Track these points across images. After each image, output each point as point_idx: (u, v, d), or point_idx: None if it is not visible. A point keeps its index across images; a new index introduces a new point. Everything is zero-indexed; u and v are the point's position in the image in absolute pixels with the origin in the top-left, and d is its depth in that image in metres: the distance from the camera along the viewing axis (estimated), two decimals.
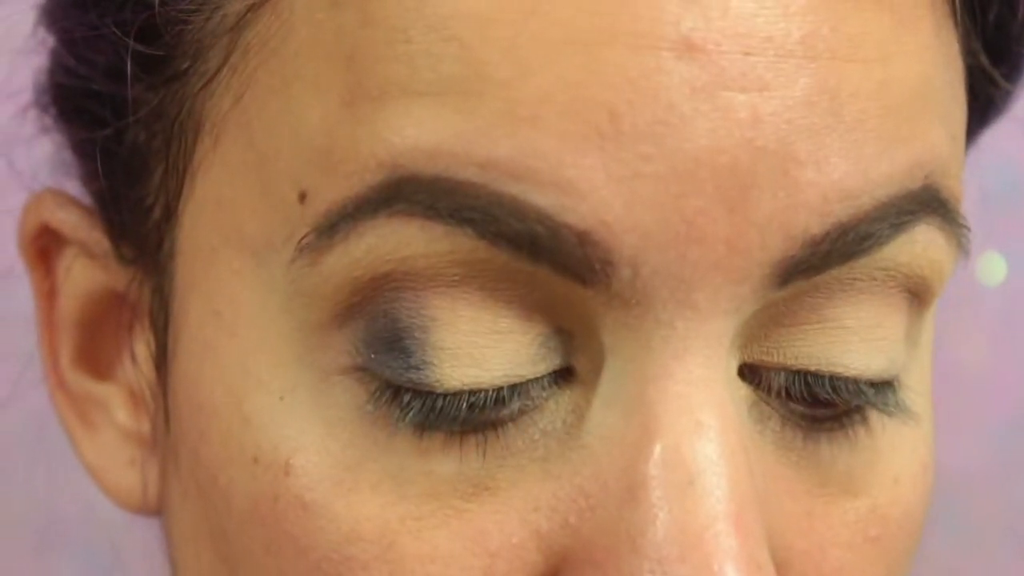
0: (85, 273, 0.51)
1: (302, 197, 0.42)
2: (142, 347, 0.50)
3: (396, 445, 0.42)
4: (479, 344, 0.42)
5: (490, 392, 0.42)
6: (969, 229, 0.45)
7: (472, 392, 0.42)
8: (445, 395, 0.42)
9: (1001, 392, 0.83)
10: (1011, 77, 0.50)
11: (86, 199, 0.52)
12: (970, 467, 0.80)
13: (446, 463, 0.42)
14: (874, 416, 0.45)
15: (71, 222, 0.51)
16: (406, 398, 0.42)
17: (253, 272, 0.44)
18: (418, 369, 0.42)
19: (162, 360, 0.48)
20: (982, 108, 0.50)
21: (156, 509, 0.51)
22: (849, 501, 0.45)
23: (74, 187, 0.52)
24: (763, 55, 0.41)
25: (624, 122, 0.40)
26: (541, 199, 0.40)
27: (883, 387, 0.45)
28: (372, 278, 0.42)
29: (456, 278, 0.41)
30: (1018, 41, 0.49)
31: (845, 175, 0.41)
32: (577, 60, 0.40)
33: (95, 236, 0.50)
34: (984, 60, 0.47)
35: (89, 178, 0.51)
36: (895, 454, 0.45)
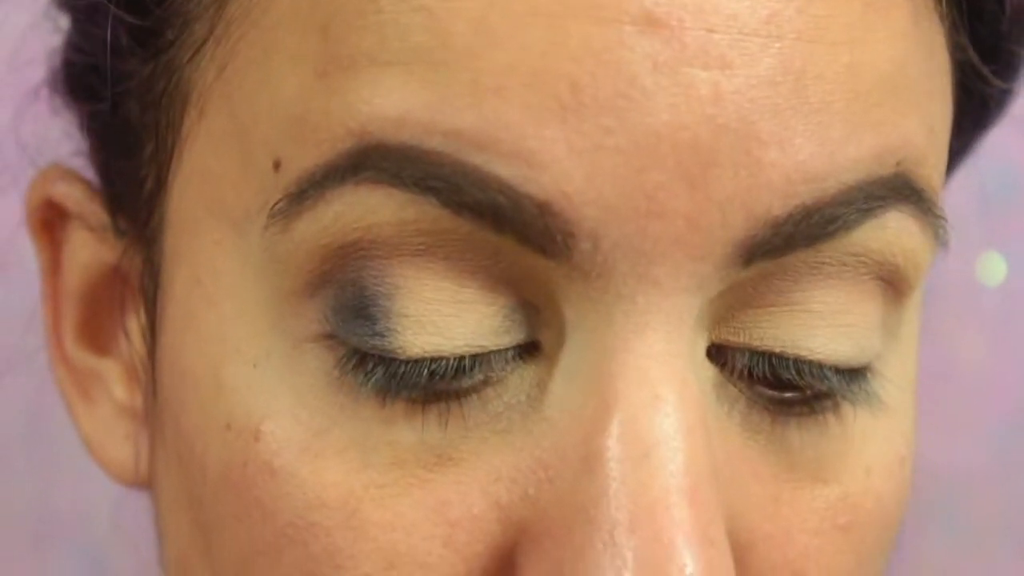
0: (87, 247, 0.52)
1: (276, 165, 0.43)
2: (135, 320, 0.50)
3: (360, 412, 0.43)
4: (442, 313, 0.42)
5: (451, 361, 0.42)
6: (946, 220, 0.45)
7: (433, 360, 0.42)
8: (407, 362, 0.42)
9: (1001, 392, 0.83)
10: (1005, 75, 0.49)
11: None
12: (970, 467, 0.80)
13: (409, 432, 0.43)
14: (844, 403, 0.45)
15: (74, 196, 0.52)
16: (370, 364, 0.42)
17: (233, 242, 0.44)
18: (382, 336, 0.42)
19: (152, 332, 0.48)
20: (977, 107, 0.50)
21: (148, 482, 0.51)
22: (818, 488, 0.45)
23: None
24: (726, 32, 0.41)
25: (586, 94, 0.40)
26: (504, 169, 0.41)
27: (851, 374, 0.45)
28: (340, 245, 0.42)
29: (421, 247, 0.42)
30: (1008, 38, 0.48)
31: (810, 157, 0.41)
32: (541, 32, 0.40)
33: (95, 210, 0.51)
34: (973, 56, 0.47)
35: (92, 152, 0.52)
36: (867, 444, 0.45)
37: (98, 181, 0.52)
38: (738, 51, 0.41)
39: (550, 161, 0.41)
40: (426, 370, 0.42)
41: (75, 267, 0.52)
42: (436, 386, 0.42)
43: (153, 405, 0.49)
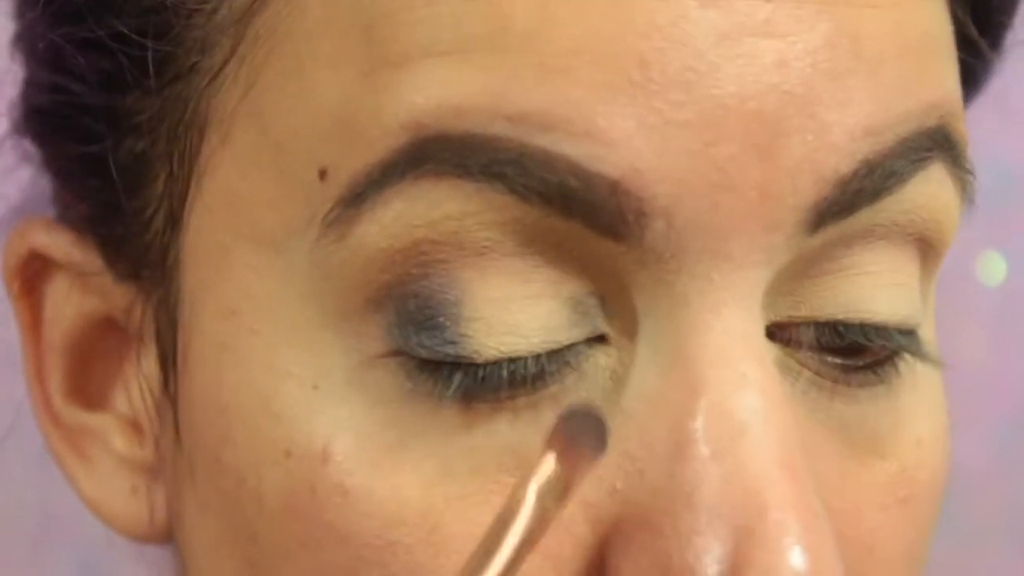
0: (77, 298, 0.50)
1: (322, 175, 0.42)
2: (147, 363, 0.49)
3: (441, 420, 0.42)
4: (512, 311, 0.41)
5: (529, 359, 0.42)
6: (974, 176, 0.45)
7: (512, 360, 0.41)
8: (485, 364, 0.41)
9: (1001, 392, 0.83)
10: (993, 48, 0.50)
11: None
12: (970, 466, 0.80)
13: (489, 435, 0.42)
14: (903, 367, 0.45)
15: (62, 245, 0.50)
16: (446, 371, 0.42)
17: (271, 264, 0.43)
18: (454, 343, 0.41)
19: (170, 371, 0.47)
20: (963, 80, 0.50)
21: (165, 535, 0.50)
22: (877, 463, 0.44)
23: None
24: (784, 2, 0.41)
25: (654, 70, 0.40)
26: (572, 149, 0.40)
27: (910, 334, 0.45)
28: (402, 248, 0.41)
29: (486, 243, 0.41)
30: (998, 11, 0.49)
31: (869, 113, 0.42)
32: (606, 10, 0.40)
33: (88, 257, 0.49)
34: (971, 28, 0.48)
35: (77, 197, 0.50)
36: (916, 416, 0.45)
37: (86, 226, 0.49)
38: (796, 18, 0.41)
39: (621, 139, 0.40)
40: (505, 371, 0.41)
41: (60, 320, 0.50)
42: (517, 386, 0.42)
43: (175, 450, 0.48)
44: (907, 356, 0.45)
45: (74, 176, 0.49)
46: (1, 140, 0.54)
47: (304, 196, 0.42)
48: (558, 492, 0.39)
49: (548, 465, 0.39)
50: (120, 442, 0.50)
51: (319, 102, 0.42)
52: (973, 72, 0.50)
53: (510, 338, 0.41)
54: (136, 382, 0.49)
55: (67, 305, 0.50)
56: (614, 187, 0.40)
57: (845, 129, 0.41)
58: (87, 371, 0.51)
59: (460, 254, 0.41)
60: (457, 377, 0.41)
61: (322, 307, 0.43)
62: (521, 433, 0.42)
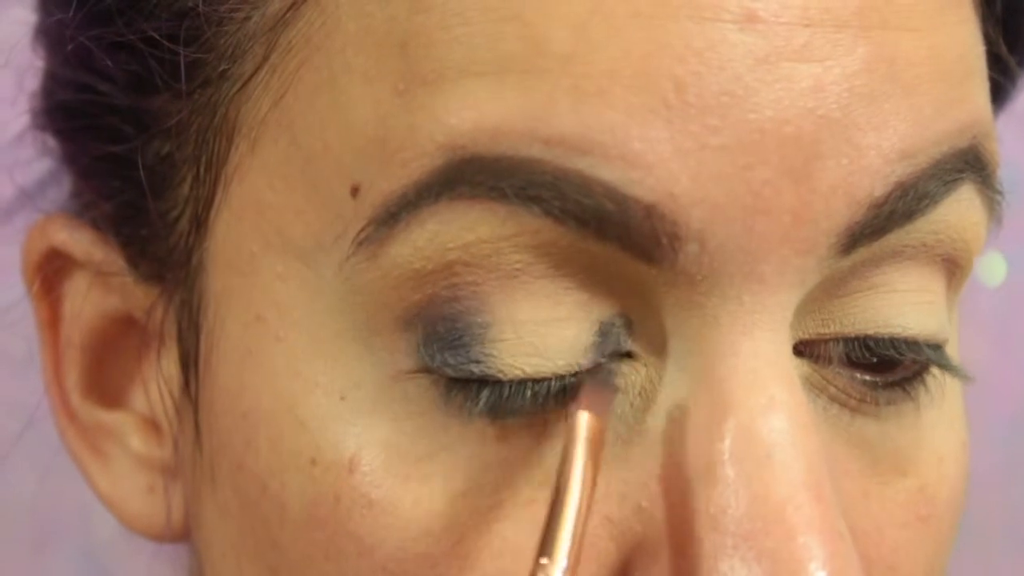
0: (96, 296, 0.50)
1: (355, 191, 0.42)
2: (167, 364, 0.49)
3: (471, 433, 0.42)
4: (540, 333, 0.41)
5: (553, 381, 0.42)
6: (1003, 195, 0.45)
7: (535, 381, 0.41)
8: (511, 383, 0.41)
9: (1001, 392, 0.83)
10: (1022, 65, 0.50)
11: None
12: (971, 467, 0.80)
13: (518, 449, 0.42)
14: (931, 382, 0.45)
15: (82, 243, 0.50)
16: (475, 388, 0.42)
17: (299, 274, 0.43)
18: (478, 362, 0.41)
19: (192, 374, 0.47)
20: (991, 95, 0.50)
21: (182, 535, 0.50)
22: (900, 481, 0.45)
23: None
24: (822, 26, 0.41)
25: (690, 93, 0.40)
26: (608, 173, 0.40)
27: (938, 349, 0.45)
28: (434, 269, 0.41)
29: (518, 266, 0.41)
30: None
31: (904, 136, 0.42)
32: (642, 33, 0.40)
33: (110, 256, 0.49)
34: (1001, 47, 0.48)
35: (100, 196, 0.50)
36: (937, 433, 0.45)
37: (108, 224, 0.50)
38: (833, 43, 0.41)
39: (656, 162, 0.40)
40: (529, 391, 0.42)
41: (79, 317, 0.50)
42: (541, 406, 0.42)
43: (194, 452, 0.48)
44: (935, 371, 0.45)
45: (98, 175, 0.49)
46: (22, 134, 0.54)
47: (335, 211, 0.42)
48: (598, 444, 0.41)
49: (582, 419, 0.41)
50: (137, 441, 0.50)
51: (352, 117, 0.42)
52: (1003, 89, 0.50)
53: (535, 359, 0.41)
54: (155, 382, 0.49)
55: (86, 303, 0.50)
56: (649, 211, 0.40)
57: (880, 152, 0.41)
58: (105, 369, 0.51)
59: (491, 276, 0.41)
60: (485, 394, 0.42)
61: (351, 321, 0.43)
62: (551, 447, 0.42)
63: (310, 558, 0.43)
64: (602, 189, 0.40)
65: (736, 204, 0.40)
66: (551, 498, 0.40)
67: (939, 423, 0.45)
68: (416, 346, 0.42)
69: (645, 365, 0.42)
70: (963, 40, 0.44)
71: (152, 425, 0.50)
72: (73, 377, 0.51)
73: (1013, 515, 0.85)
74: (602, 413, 0.41)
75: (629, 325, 0.42)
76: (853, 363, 0.44)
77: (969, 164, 0.43)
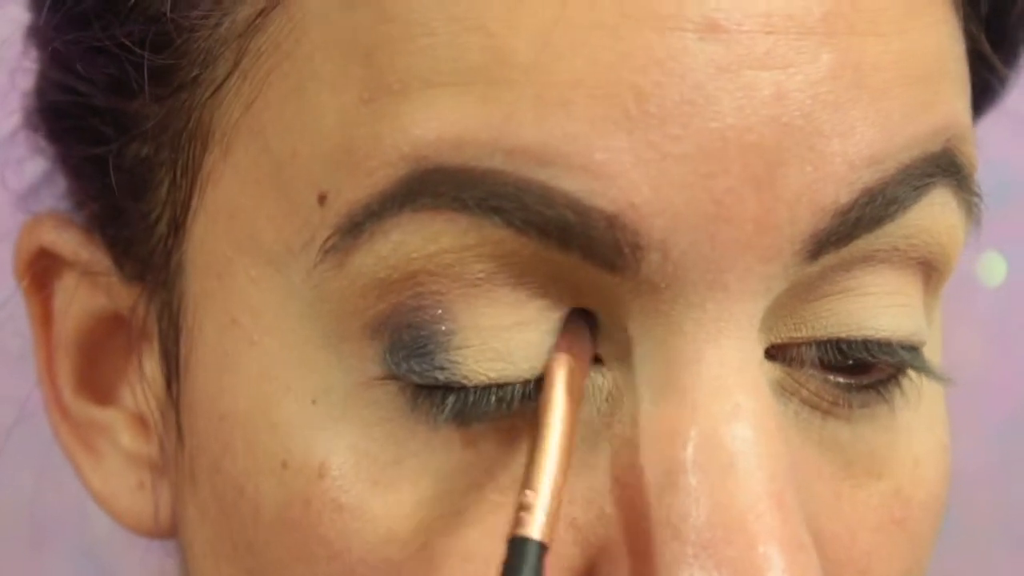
0: (85, 295, 0.50)
1: (322, 199, 0.42)
2: (150, 365, 0.49)
3: (438, 439, 0.42)
4: (503, 339, 0.42)
5: (517, 386, 0.42)
6: (980, 197, 0.45)
7: (500, 386, 0.42)
8: (476, 389, 0.42)
9: (1000, 392, 0.83)
10: (1008, 63, 0.50)
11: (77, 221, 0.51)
12: (968, 467, 0.80)
13: (485, 454, 0.42)
14: (907, 385, 0.45)
15: (70, 243, 0.50)
16: (440, 394, 0.42)
17: (270, 279, 0.44)
18: (443, 369, 0.41)
19: (173, 375, 0.47)
20: (979, 94, 0.50)
21: (169, 532, 0.50)
22: (873, 483, 0.44)
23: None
24: (785, 33, 0.41)
25: (651, 103, 0.40)
26: (570, 184, 0.40)
27: (914, 350, 0.45)
28: (399, 279, 0.41)
29: (481, 275, 0.41)
30: (1016, 28, 0.49)
31: (872, 142, 0.42)
32: (604, 44, 0.40)
33: (96, 256, 0.50)
34: (985, 45, 0.48)
35: (87, 197, 0.50)
36: (913, 435, 0.45)
37: (93, 224, 0.50)
38: (797, 50, 0.41)
39: (617, 173, 0.40)
40: (494, 397, 0.42)
41: (71, 315, 0.51)
42: (507, 411, 0.42)
43: (177, 452, 0.48)
44: (911, 374, 0.45)
45: (84, 176, 0.50)
46: (14, 132, 0.54)
47: (303, 218, 0.43)
48: (578, 383, 0.41)
49: (560, 359, 0.41)
50: (127, 438, 0.51)
51: (319, 125, 0.42)
52: (990, 87, 0.50)
53: (499, 364, 0.42)
54: (143, 380, 0.49)
55: (76, 301, 0.50)
56: (611, 221, 0.40)
57: (846, 159, 0.41)
58: (96, 366, 0.51)
59: (455, 285, 0.41)
60: (451, 400, 0.42)
61: (320, 327, 0.43)
62: (517, 453, 0.42)
63: (282, 561, 0.43)
64: (564, 200, 0.40)
65: (698, 213, 0.40)
66: (532, 437, 0.40)
67: (916, 425, 0.45)
68: (383, 353, 0.42)
69: (612, 370, 0.42)
70: (934, 43, 0.44)
71: (141, 422, 0.50)
72: (66, 374, 0.51)
73: (1011, 514, 0.85)
74: (580, 355, 0.41)
75: (596, 330, 0.42)
76: (827, 366, 0.43)
77: (942, 168, 0.43)
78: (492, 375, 0.41)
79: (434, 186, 0.41)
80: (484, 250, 0.41)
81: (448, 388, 0.42)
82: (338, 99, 0.42)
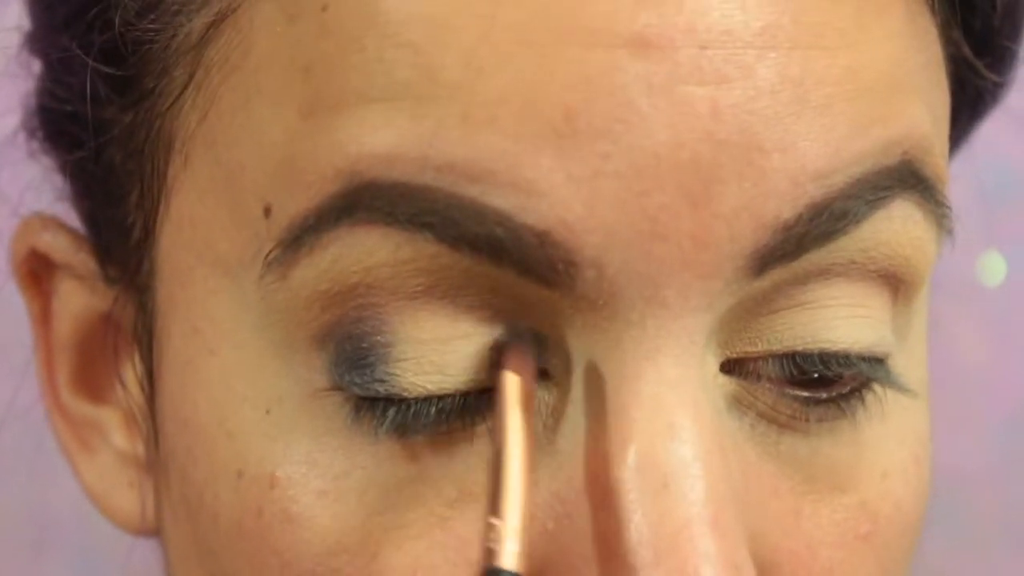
0: (75, 296, 0.51)
1: (267, 212, 0.42)
2: (130, 369, 0.50)
3: (381, 451, 0.42)
4: (441, 351, 0.41)
5: (456, 397, 0.42)
6: (950, 208, 0.44)
7: (439, 398, 0.41)
8: (416, 401, 0.41)
9: (1000, 392, 0.83)
10: (997, 69, 0.49)
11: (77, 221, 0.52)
12: (968, 466, 0.80)
13: (428, 467, 0.42)
14: (871, 398, 0.44)
15: (59, 245, 0.51)
16: (380, 407, 0.42)
17: (227, 290, 0.44)
18: (382, 381, 0.41)
19: (149, 380, 0.48)
20: (972, 100, 0.50)
21: (156, 531, 0.50)
22: (837, 498, 0.44)
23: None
24: (721, 48, 0.41)
25: (580, 120, 0.40)
26: (500, 200, 0.40)
27: (876, 361, 0.44)
28: (339, 291, 0.41)
29: (419, 288, 0.41)
30: (1000, 32, 0.48)
31: (816, 157, 0.41)
32: (531, 61, 0.40)
33: (82, 258, 0.50)
34: (967, 51, 0.47)
35: (76, 199, 0.51)
36: (881, 448, 0.45)
37: (84, 228, 0.51)
38: (734, 65, 0.41)
39: (547, 189, 0.40)
40: (433, 408, 0.42)
41: (66, 316, 0.51)
42: (447, 423, 0.42)
43: (155, 454, 0.48)
44: (876, 387, 0.44)
45: (70, 179, 0.50)
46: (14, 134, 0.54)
47: (252, 230, 0.43)
48: (529, 402, 0.41)
49: (511, 380, 0.41)
50: (119, 437, 0.51)
51: (262, 138, 0.42)
52: (980, 93, 0.49)
53: (437, 377, 0.41)
54: (131, 380, 0.50)
55: (70, 302, 0.51)
56: (542, 238, 0.40)
57: (788, 174, 0.41)
58: (91, 365, 0.51)
59: (393, 298, 0.41)
60: (391, 412, 0.42)
61: (271, 337, 0.43)
62: (461, 464, 0.42)
63: (238, 569, 0.44)
64: (494, 216, 0.40)
65: (632, 230, 0.40)
66: (493, 460, 0.40)
67: (884, 438, 0.45)
68: (329, 365, 0.42)
69: (557, 385, 0.42)
70: (888, 55, 0.43)
71: (132, 421, 0.51)
72: (64, 373, 0.52)
73: (1011, 514, 0.85)
74: (525, 372, 0.41)
75: (539, 343, 0.42)
76: (787, 380, 0.43)
77: (901, 180, 0.43)
78: (430, 387, 0.41)
79: (369, 201, 0.41)
80: (419, 264, 0.41)
81: (389, 400, 0.42)
82: (280, 113, 0.42)
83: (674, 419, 0.41)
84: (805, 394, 0.43)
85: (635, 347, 0.41)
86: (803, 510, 0.43)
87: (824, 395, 0.44)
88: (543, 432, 0.42)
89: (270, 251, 0.42)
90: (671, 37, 0.40)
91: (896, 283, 0.44)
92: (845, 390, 0.44)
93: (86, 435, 0.52)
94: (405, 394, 0.41)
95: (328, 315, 0.42)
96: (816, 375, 0.43)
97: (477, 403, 0.42)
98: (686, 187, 0.40)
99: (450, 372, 0.41)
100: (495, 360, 0.42)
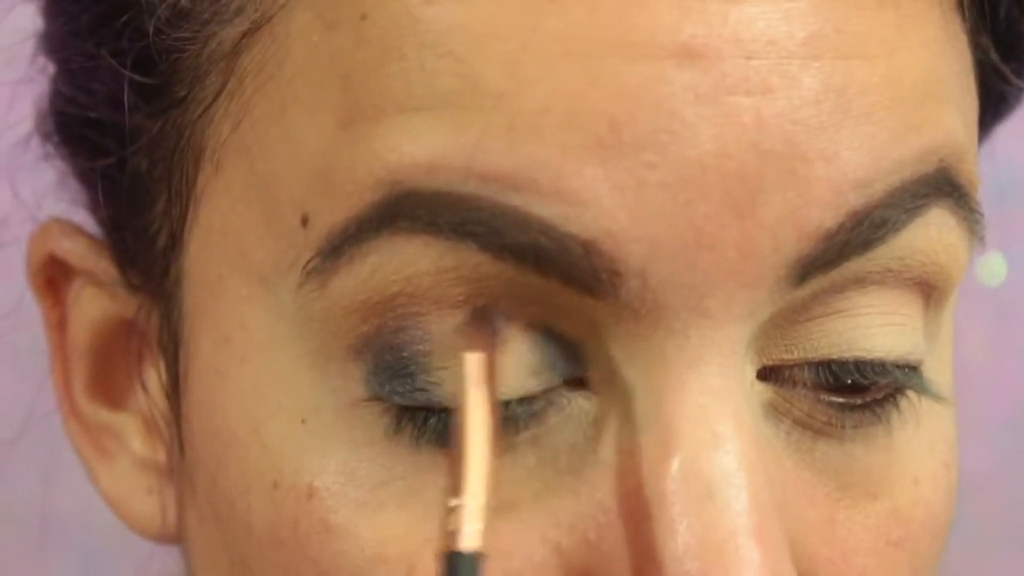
0: (94, 302, 0.51)
1: (304, 221, 0.42)
2: (153, 375, 0.49)
3: (422, 461, 0.42)
4: None
5: (499, 406, 0.41)
6: (982, 215, 0.45)
7: None
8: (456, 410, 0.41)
9: (1001, 392, 0.83)
10: (1021, 74, 0.50)
11: (94, 226, 0.51)
12: (969, 467, 0.80)
13: None
14: (905, 404, 0.44)
15: (78, 251, 0.51)
16: (422, 416, 0.42)
17: (261, 298, 0.44)
18: (424, 391, 0.42)
19: (174, 388, 0.48)
20: (995, 103, 0.50)
21: (176, 537, 0.50)
22: (869, 504, 0.44)
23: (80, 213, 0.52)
24: (766, 58, 0.41)
25: (624, 132, 0.40)
26: (544, 210, 0.40)
27: (910, 370, 0.44)
28: (379, 301, 0.41)
29: (460, 297, 0.41)
30: None
31: (857, 166, 0.41)
32: (576, 71, 0.40)
33: (102, 264, 0.50)
34: (994, 56, 0.47)
35: (95, 206, 0.50)
36: (912, 454, 0.45)
37: (103, 233, 0.51)
38: (778, 75, 0.41)
39: (592, 199, 0.40)
40: None
41: (84, 322, 0.51)
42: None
43: (180, 461, 0.48)
44: (910, 393, 0.44)
45: (90, 185, 0.50)
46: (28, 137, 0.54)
47: (288, 239, 0.43)
48: (490, 380, 0.41)
49: (470, 359, 0.41)
50: (139, 442, 0.51)
51: (299, 147, 0.42)
52: (1004, 97, 0.50)
53: None
54: (152, 387, 0.50)
55: (88, 307, 0.51)
56: (587, 247, 0.40)
57: (831, 184, 0.41)
58: (109, 371, 0.51)
59: (434, 308, 0.41)
60: (432, 422, 0.42)
61: (308, 347, 0.43)
62: (502, 473, 0.42)
63: None
64: (539, 225, 0.40)
65: (677, 240, 0.40)
66: (453, 442, 0.40)
67: (915, 445, 0.45)
68: (367, 375, 0.42)
69: (598, 394, 0.42)
70: (926, 63, 0.43)
71: (151, 427, 0.50)
72: (80, 379, 0.51)
73: (1012, 515, 0.85)
74: (487, 349, 0.41)
75: (580, 351, 0.42)
76: (821, 387, 0.43)
77: (937, 188, 0.43)
78: None
79: (410, 210, 0.41)
80: (461, 273, 0.41)
81: (430, 410, 0.42)
82: (317, 123, 0.42)
83: (718, 429, 0.41)
84: (840, 400, 0.44)
85: (678, 357, 0.41)
86: (837, 517, 0.44)
87: (859, 401, 0.44)
88: (584, 442, 0.42)
89: (308, 260, 0.42)
90: (717, 48, 0.40)
91: (929, 290, 0.44)
92: (879, 396, 0.44)
93: (104, 441, 0.51)
94: (446, 403, 0.41)
95: (367, 326, 0.42)
96: (852, 382, 0.43)
97: (518, 412, 0.42)
98: (731, 197, 0.41)
99: None
100: (456, 340, 0.42)
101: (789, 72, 0.41)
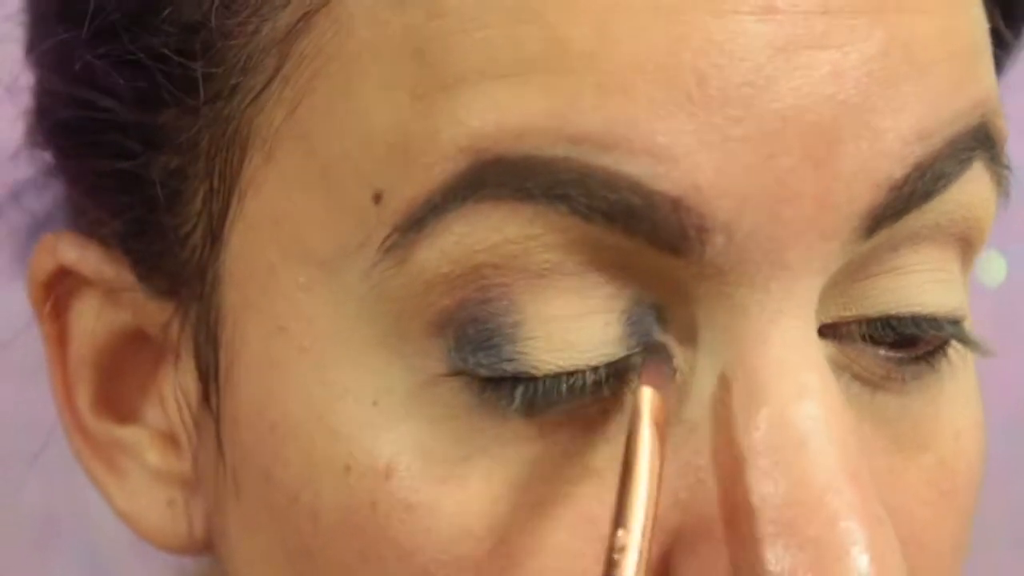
0: (106, 313, 0.50)
1: (377, 198, 0.42)
2: (184, 379, 0.49)
3: (508, 432, 0.42)
4: (570, 328, 0.42)
5: (587, 372, 0.42)
6: (1010, 170, 0.46)
7: (569, 374, 0.42)
8: (544, 378, 0.42)
9: (1001, 392, 0.83)
10: (1017, 39, 0.52)
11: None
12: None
13: (556, 445, 0.42)
14: (954, 355, 0.45)
15: (92, 261, 0.50)
16: (508, 386, 0.42)
17: (322, 283, 0.44)
18: (511, 360, 0.42)
19: (212, 389, 0.47)
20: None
21: (204, 548, 0.50)
22: (921, 455, 0.45)
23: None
24: (839, 13, 0.42)
25: (712, 86, 0.41)
26: (634, 168, 0.41)
27: (957, 324, 0.45)
28: (463, 272, 0.42)
29: (546, 264, 0.42)
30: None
31: (921, 117, 0.42)
32: (663, 28, 0.41)
33: (119, 272, 0.49)
34: (999, 22, 0.49)
35: (107, 214, 0.49)
36: (954, 409, 0.46)
37: (117, 241, 0.50)
38: (850, 29, 0.42)
39: (681, 155, 0.41)
40: (564, 385, 0.42)
41: (87, 334, 0.51)
42: (576, 400, 0.42)
43: (217, 465, 0.48)
44: (956, 345, 0.46)
45: (105, 192, 0.49)
46: (17, 151, 0.54)
47: (357, 219, 0.43)
48: (662, 417, 0.41)
49: (647, 395, 0.41)
50: (154, 455, 0.50)
51: (370, 125, 0.42)
52: (999, 62, 0.50)
53: (567, 353, 0.42)
54: (172, 396, 0.49)
55: (97, 320, 0.50)
56: (676, 204, 0.41)
57: (898, 135, 0.42)
58: (118, 385, 0.51)
59: (520, 276, 0.42)
60: (519, 391, 0.42)
61: (379, 328, 0.43)
62: (588, 443, 0.42)
63: (347, 565, 0.43)
64: (628, 184, 0.41)
65: (762, 193, 0.41)
66: (621, 473, 0.41)
67: (957, 397, 0.46)
68: (447, 350, 0.42)
69: (677, 355, 0.43)
70: (972, 20, 0.45)
71: (170, 439, 0.50)
72: (85, 395, 0.51)
73: (1013, 513, 0.85)
74: (663, 387, 0.41)
75: (659, 314, 0.42)
76: (876, 342, 0.44)
77: (980, 141, 0.44)
78: (562, 363, 0.42)
79: (496, 177, 0.41)
80: (549, 239, 0.41)
81: (517, 379, 0.42)
82: (389, 97, 0.42)
83: (804, 380, 0.42)
84: (899, 354, 0.44)
85: (760, 311, 0.42)
86: (895, 468, 0.45)
87: (915, 353, 0.45)
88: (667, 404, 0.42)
89: (386, 237, 0.42)
90: (794, 3, 0.41)
91: (966, 246, 0.46)
92: (932, 347, 0.45)
93: (114, 457, 0.51)
94: (535, 372, 0.42)
95: (448, 299, 0.42)
96: (903, 338, 0.44)
97: (607, 377, 0.42)
98: (810, 149, 0.41)
99: (580, 348, 0.42)
100: (613, 386, 0.42)
101: (860, 27, 0.42)
